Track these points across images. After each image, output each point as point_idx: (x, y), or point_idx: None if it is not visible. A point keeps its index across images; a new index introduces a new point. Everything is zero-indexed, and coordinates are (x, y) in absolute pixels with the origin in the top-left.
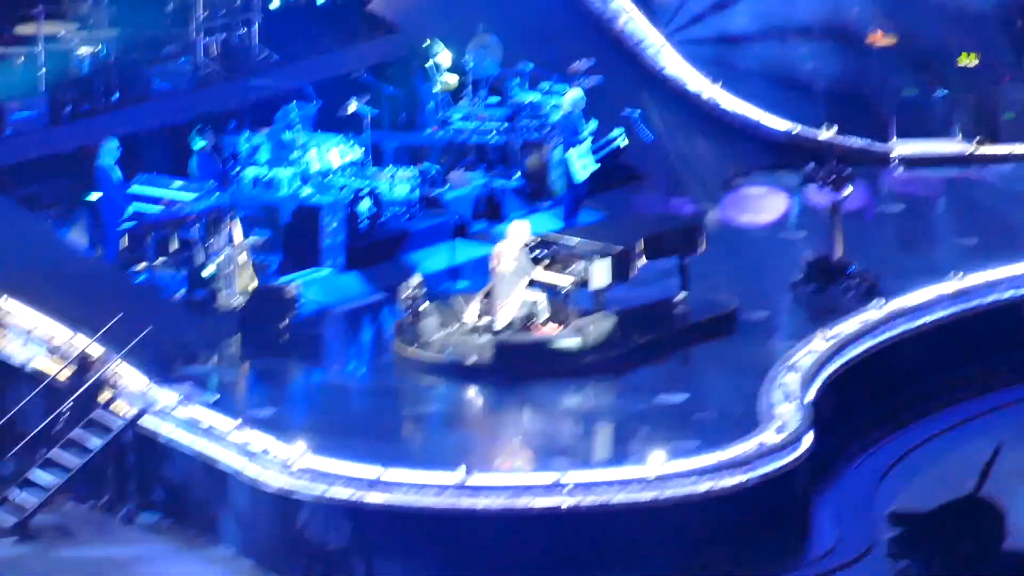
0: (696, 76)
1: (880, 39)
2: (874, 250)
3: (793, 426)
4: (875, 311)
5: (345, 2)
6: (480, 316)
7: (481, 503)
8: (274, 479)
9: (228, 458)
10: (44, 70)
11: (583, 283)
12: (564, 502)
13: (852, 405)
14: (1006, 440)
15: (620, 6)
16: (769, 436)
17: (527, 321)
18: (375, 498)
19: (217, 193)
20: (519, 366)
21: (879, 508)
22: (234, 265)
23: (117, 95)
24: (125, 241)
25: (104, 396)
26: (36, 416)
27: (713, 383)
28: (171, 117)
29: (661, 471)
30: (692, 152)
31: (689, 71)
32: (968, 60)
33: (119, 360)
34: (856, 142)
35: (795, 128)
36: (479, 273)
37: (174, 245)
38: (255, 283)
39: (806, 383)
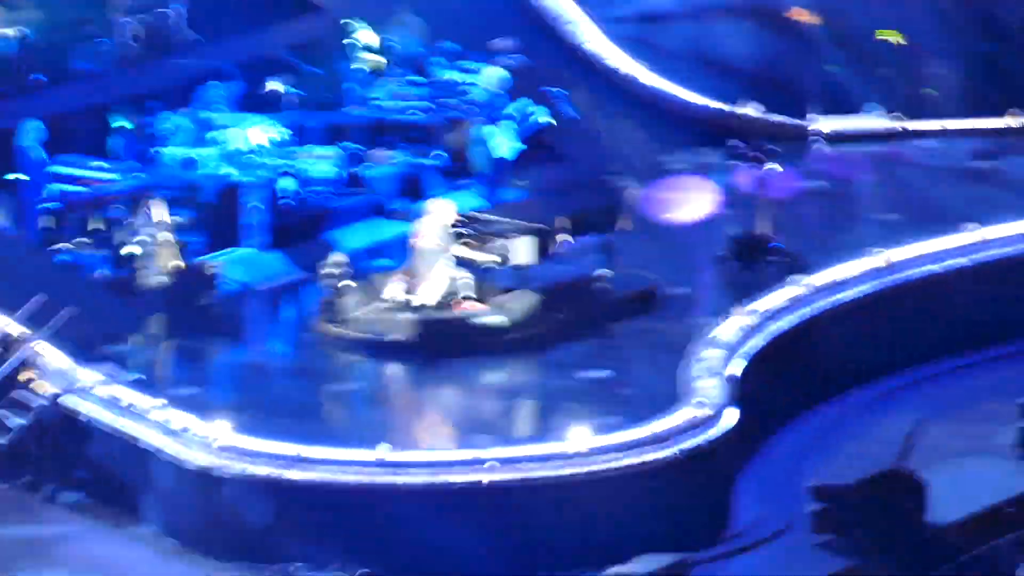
0: (617, 53)
1: (801, 15)
2: (797, 226)
3: (715, 401)
4: (797, 286)
5: None
6: (401, 293)
7: (402, 480)
8: (196, 457)
9: (149, 436)
10: None
11: (504, 260)
12: (485, 478)
13: (774, 380)
14: (926, 415)
15: None
16: (690, 411)
17: (448, 298)
18: (295, 475)
19: (138, 173)
20: (440, 343)
21: (801, 483)
22: (155, 245)
23: (38, 76)
24: (46, 221)
25: (25, 375)
26: None
27: (635, 359)
28: (92, 98)
29: (582, 447)
30: (615, 130)
31: (611, 48)
32: (890, 36)
33: (40, 340)
34: (778, 119)
35: (717, 105)
36: (401, 251)
37: (95, 225)
38: (177, 262)
39: (727, 358)
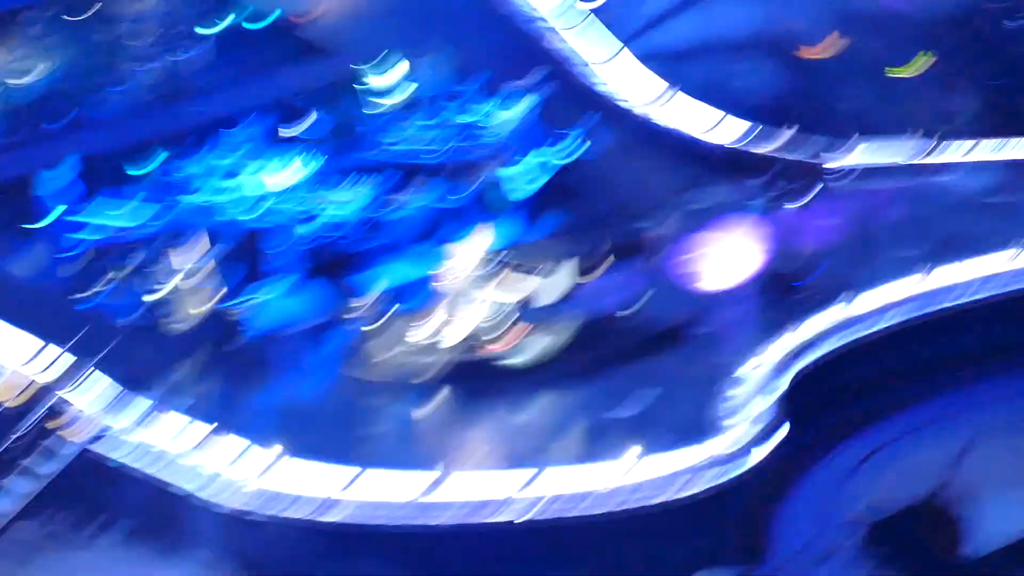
0: (633, 92)
1: (818, 52)
2: (827, 258)
3: (753, 431)
4: (833, 315)
5: (284, 28)
6: (430, 334)
7: (439, 519)
8: (228, 500)
9: (181, 480)
10: None
11: (529, 299)
12: (519, 517)
13: (816, 406)
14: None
15: (560, 25)
16: (727, 441)
17: (477, 338)
18: (330, 516)
19: (159, 219)
20: (469, 383)
21: (846, 509)
22: (179, 290)
23: (58, 123)
24: (69, 269)
25: (56, 422)
26: None
27: (665, 392)
28: (110, 144)
29: (621, 480)
30: (632, 170)
31: (626, 88)
32: (904, 71)
33: (71, 386)
34: (793, 156)
35: (732, 144)
36: (425, 293)
37: (118, 272)
38: (201, 308)
39: (764, 387)
